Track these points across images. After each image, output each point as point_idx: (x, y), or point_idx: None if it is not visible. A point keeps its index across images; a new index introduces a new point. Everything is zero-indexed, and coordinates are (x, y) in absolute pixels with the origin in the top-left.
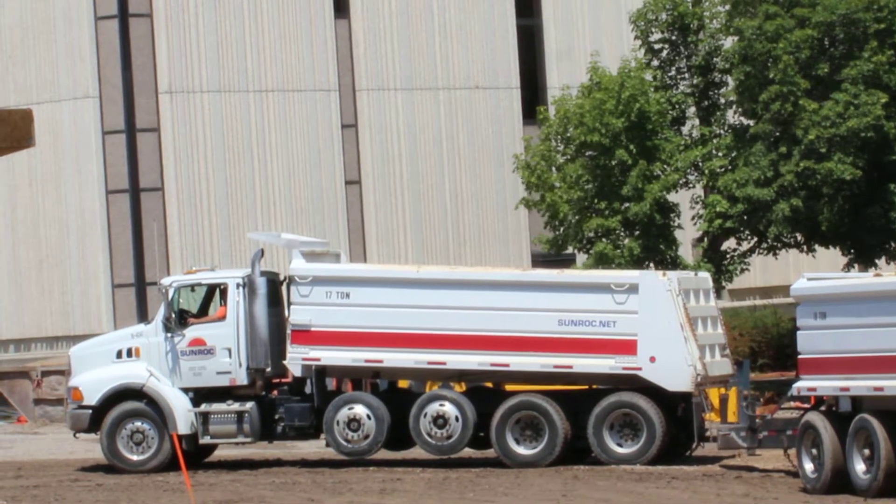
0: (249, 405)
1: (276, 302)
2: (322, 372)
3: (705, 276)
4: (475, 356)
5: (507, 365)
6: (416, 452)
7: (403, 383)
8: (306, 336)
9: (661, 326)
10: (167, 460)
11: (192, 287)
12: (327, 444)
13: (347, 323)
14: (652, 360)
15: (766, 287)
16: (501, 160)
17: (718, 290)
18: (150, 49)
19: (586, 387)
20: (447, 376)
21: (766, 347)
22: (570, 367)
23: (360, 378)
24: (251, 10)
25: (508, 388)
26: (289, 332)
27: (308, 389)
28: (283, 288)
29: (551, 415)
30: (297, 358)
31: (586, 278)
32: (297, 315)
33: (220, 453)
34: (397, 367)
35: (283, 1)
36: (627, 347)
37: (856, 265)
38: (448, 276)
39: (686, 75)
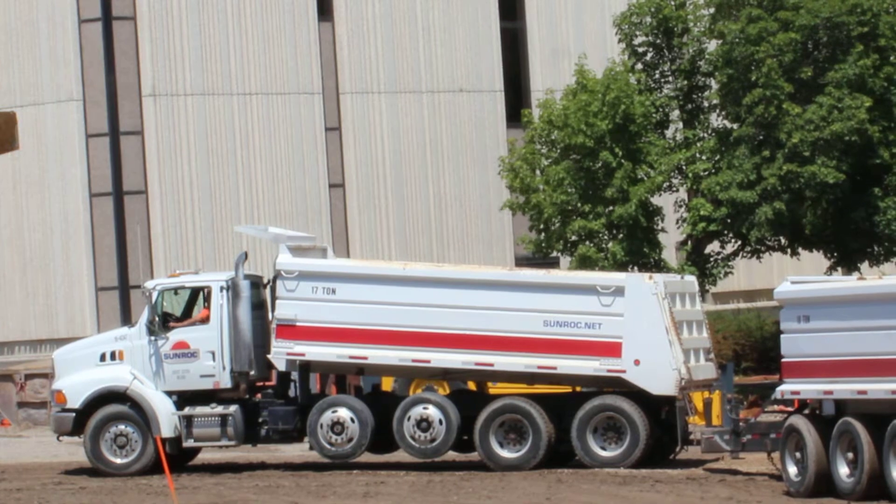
0: (233, 408)
1: (259, 305)
2: (306, 367)
3: (691, 280)
4: (460, 355)
5: (491, 364)
6: (400, 456)
7: (387, 386)
8: (291, 331)
9: (646, 330)
10: (151, 463)
11: (176, 290)
12: (311, 448)
13: (333, 319)
14: (636, 363)
15: (749, 290)
16: (485, 163)
17: (702, 294)
18: (133, 52)
19: (570, 389)
20: (431, 374)
21: (750, 351)
22: (555, 368)
23: (345, 374)
24: (235, 13)
25: (492, 390)
26: (274, 326)
27: (292, 392)
28: (267, 291)
29: (535, 418)
30: (281, 352)
31: (572, 280)
32: (283, 310)
33: (204, 456)
34: (381, 364)
35: (266, 4)
36: (612, 350)
37: (839, 269)
38: (434, 275)
39: (670, 78)
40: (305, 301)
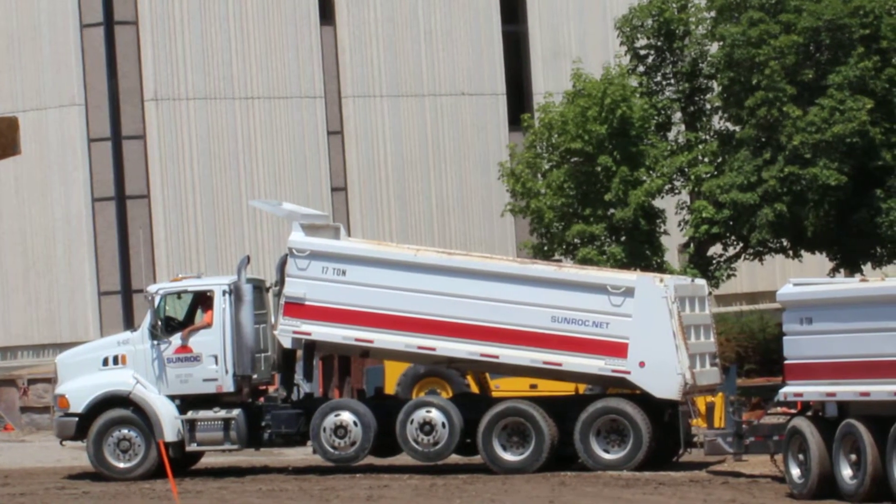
0: (236, 412)
1: (261, 309)
2: (311, 347)
3: (701, 284)
4: (465, 345)
5: (496, 357)
6: (403, 459)
7: (390, 389)
8: (299, 309)
9: (653, 332)
10: (154, 468)
11: (179, 294)
12: (314, 451)
13: (341, 300)
14: (642, 365)
15: (752, 292)
16: (487, 167)
17: None
18: (135, 56)
19: (573, 391)
20: (436, 362)
21: (753, 353)
22: (560, 364)
23: (349, 356)
24: (237, 17)
25: (495, 394)
26: (282, 303)
27: (295, 395)
28: (269, 295)
29: (538, 421)
30: (287, 330)
31: (583, 277)
32: (293, 288)
33: (207, 460)
34: (387, 349)
35: (268, 8)
36: (618, 350)
37: (842, 270)
38: (445, 263)
39: (672, 81)
40: (315, 280)
